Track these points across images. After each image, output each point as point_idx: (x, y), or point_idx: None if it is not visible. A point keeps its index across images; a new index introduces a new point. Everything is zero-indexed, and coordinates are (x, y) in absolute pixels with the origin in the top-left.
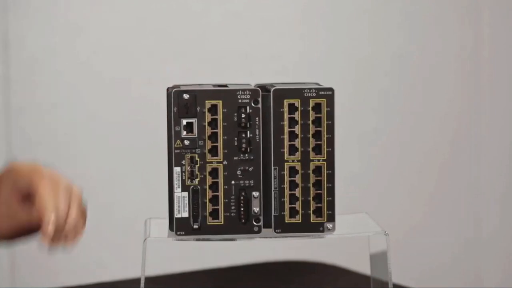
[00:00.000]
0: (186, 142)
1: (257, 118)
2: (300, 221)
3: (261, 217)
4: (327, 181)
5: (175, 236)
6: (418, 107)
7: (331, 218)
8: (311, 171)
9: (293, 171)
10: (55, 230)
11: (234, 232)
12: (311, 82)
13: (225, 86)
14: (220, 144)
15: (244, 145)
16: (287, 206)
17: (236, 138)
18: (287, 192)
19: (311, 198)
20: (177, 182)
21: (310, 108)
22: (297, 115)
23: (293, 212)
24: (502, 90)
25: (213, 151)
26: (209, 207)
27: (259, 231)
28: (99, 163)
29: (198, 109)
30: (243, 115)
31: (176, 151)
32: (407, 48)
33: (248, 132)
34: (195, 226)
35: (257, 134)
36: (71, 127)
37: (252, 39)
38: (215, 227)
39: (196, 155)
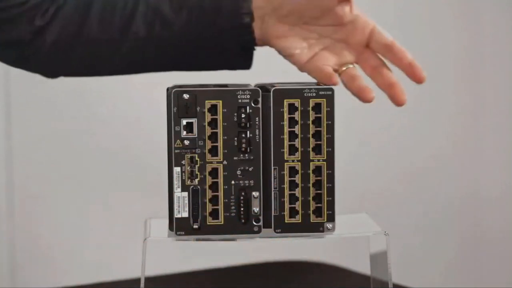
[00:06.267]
0: (186, 142)
1: (257, 118)
2: (300, 221)
3: (261, 217)
4: (327, 181)
5: (175, 236)
6: (418, 107)
7: (331, 218)
8: (311, 171)
9: (293, 171)
10: None
11: (234, 232)
12: (311, 82)
13: (225, 86)
14: (220, 144)
15: (244, 145)
16: (287, 206)
17: (236, 138)
18: (287, 192)
19: (311, 198)
20: (177, 182)
21: (310, 108)
22: (297, 115)
23: (293, 212)
24: (502, 90)
25: (213, 151)
26: (209, 207)
27: (259, 231)
28: (99, 163)
29: (198, 109)
30: (243, 115)
31: (176, 151)
32: (406, 48)
33: (248, 132)
34: (195, 226)
35: (257, 134)
36: (71, 127)
37: None
38: (215, 227)
39: (196, 155)
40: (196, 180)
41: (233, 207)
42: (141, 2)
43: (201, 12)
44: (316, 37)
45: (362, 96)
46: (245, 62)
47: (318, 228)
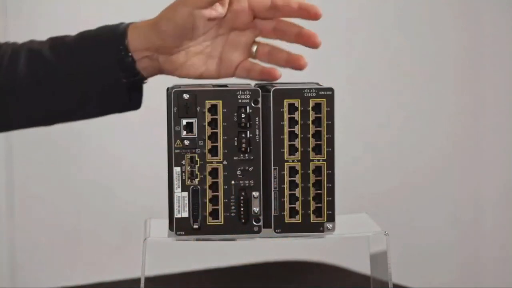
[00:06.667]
0: (186, 142)
1: (257, 118)
2: (300, 221)
3: (261, 217)
4: (327, 181)
5: (175, 236)
6: (418, 107)
7: (331, 218)
8: (311, 171)
9: (293, 171)
10: None
11: (234, 232)
12: (311, 82)
13: (225, 86)
14: (220, 144)
15: (244, 145)
16: (287, 206)
17: (236, 138)
18: (287, 192)
19: (311, 198)
20: (177, 182)
21: (310, 108)
22: (297, 115)
23: (293, 212)
24: (502, 90)
25: (213, 151)
26: (209, 207)
27: (259, 231)
28: (99, 163)
29: (198, 109)
30: (243, 115)
31: (176, 151)
32: (407, 48)
33: (248, 132)
34: (195, 226)
35: (257, 134)
36: (71, 127)
37: None
38: (215, 227)
39: (196, 155)
40: (196, 180)
41: (233, 207)
42: (25, 47)
43: (78, 52)
44: (209, 44)
45: (269, 77)
46: (132, 101)
47: (318, 228)
